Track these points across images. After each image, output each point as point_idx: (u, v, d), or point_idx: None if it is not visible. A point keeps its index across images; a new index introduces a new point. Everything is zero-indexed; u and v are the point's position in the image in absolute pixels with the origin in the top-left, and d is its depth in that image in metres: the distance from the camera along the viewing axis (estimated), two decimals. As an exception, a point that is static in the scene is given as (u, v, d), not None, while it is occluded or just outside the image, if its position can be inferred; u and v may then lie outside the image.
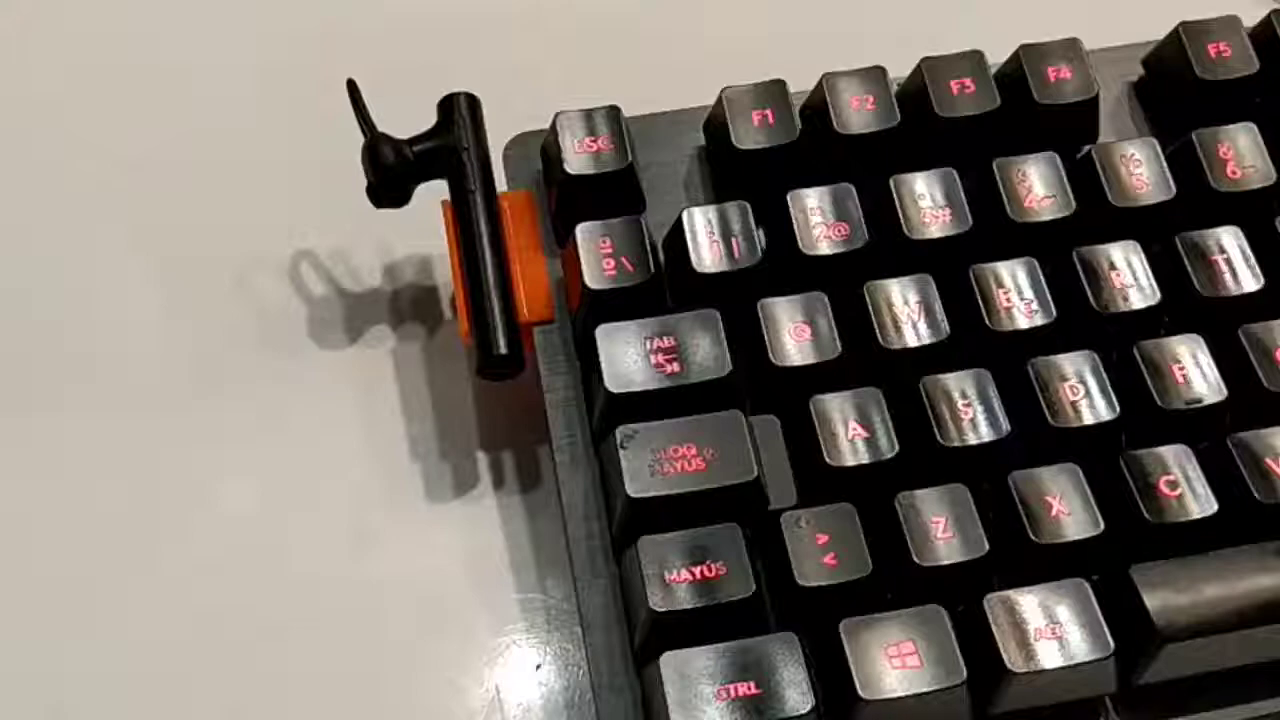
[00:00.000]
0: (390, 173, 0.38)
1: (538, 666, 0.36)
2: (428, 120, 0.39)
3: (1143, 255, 0.36)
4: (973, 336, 0.36)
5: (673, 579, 0.32)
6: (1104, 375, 0.35)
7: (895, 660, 0.31)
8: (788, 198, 0.37)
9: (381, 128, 0.39)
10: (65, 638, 0.36)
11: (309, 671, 0.36)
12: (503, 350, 0.36)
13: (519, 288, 0.37)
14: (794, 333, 0.35)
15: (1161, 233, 0.37)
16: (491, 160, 0.39)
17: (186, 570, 0.37)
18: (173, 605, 0.37)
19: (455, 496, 0.39)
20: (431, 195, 0.39)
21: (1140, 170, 0.38)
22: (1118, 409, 0.34)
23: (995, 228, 0.37)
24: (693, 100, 0.39)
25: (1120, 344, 0.35)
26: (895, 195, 0.37)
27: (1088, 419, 0.34)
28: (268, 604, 0.37)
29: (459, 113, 0.39)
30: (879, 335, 0.35)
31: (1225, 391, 0.35)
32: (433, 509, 0.38)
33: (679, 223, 0.36)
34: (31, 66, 0.46)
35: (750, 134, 0.38)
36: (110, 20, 0.47)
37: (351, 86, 0.39)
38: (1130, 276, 0.36)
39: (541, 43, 0.47)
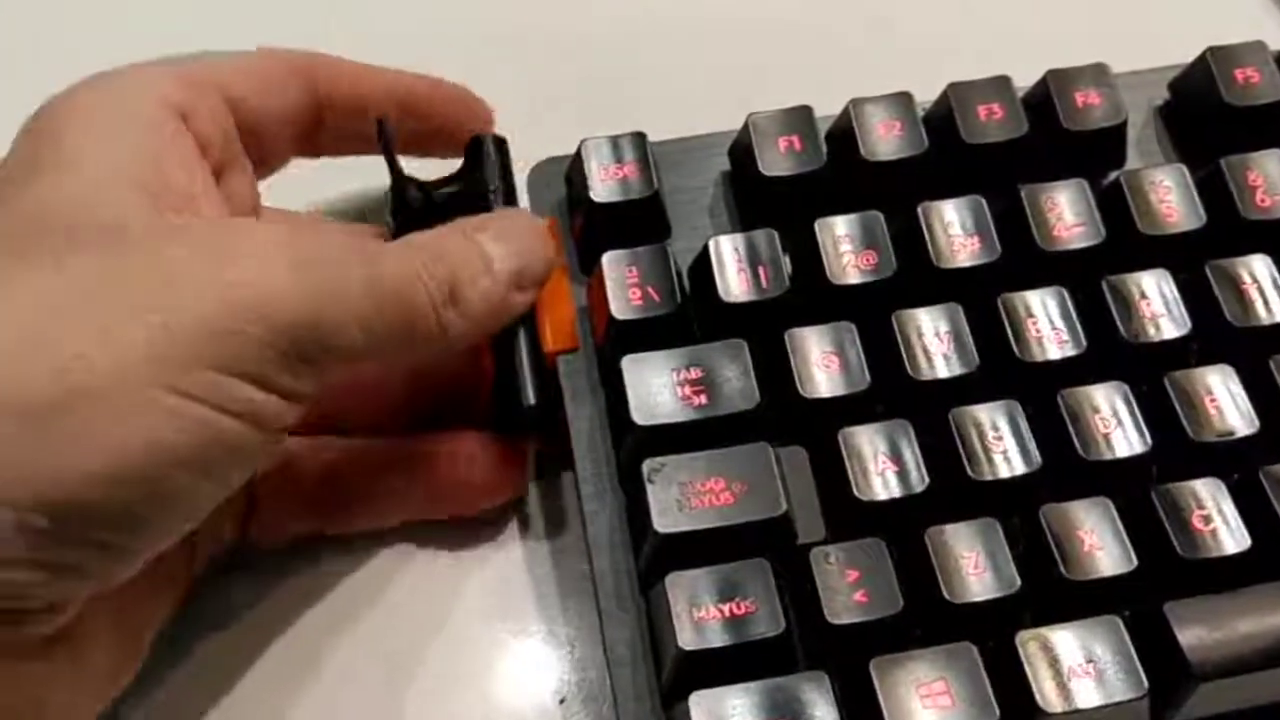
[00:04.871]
0: (414, 214, 0.37)
1: (561, 700, 0.35)
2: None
3: (1173, 284, 0.36)
4: (1002, 367, 0.35)
5: (701, 616, 0.31)
6: (1135, 406, 0.34)
7: (927, 700, 0.31)
8: (816, 226, 0.36)
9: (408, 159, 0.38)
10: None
11: (330, 703, 0.36)
12: (531, 401, 0.35)
13: (543, 316, 0.37)
14: (822, 363, 0.35)
15: (1191, 261, 0.36)
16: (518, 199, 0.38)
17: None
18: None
19: (478, 524, 0.38)
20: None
21: (1170, 198, 0.37)
22: (1149, 441, 0.34)
23: (1024, 256, 0.36)
24: (719, 125, 0.39)
25: (1151, 374, 0.35)
26: (923, 223, 0.36)
27: (1120, 451, 0.34)
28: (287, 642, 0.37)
29: (486, 153, 0.38)
30: (908, 366, 0.35)
31: (1258, 423, 0.34)
32: (455, 537, 0.38)
33: (705, 251, 0.36)
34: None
35: (776, 160, 0.37)
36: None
37: (380, 126, 0.37)
38: (1161, 305, 0.36)
39: (564, 67, 0.46)
